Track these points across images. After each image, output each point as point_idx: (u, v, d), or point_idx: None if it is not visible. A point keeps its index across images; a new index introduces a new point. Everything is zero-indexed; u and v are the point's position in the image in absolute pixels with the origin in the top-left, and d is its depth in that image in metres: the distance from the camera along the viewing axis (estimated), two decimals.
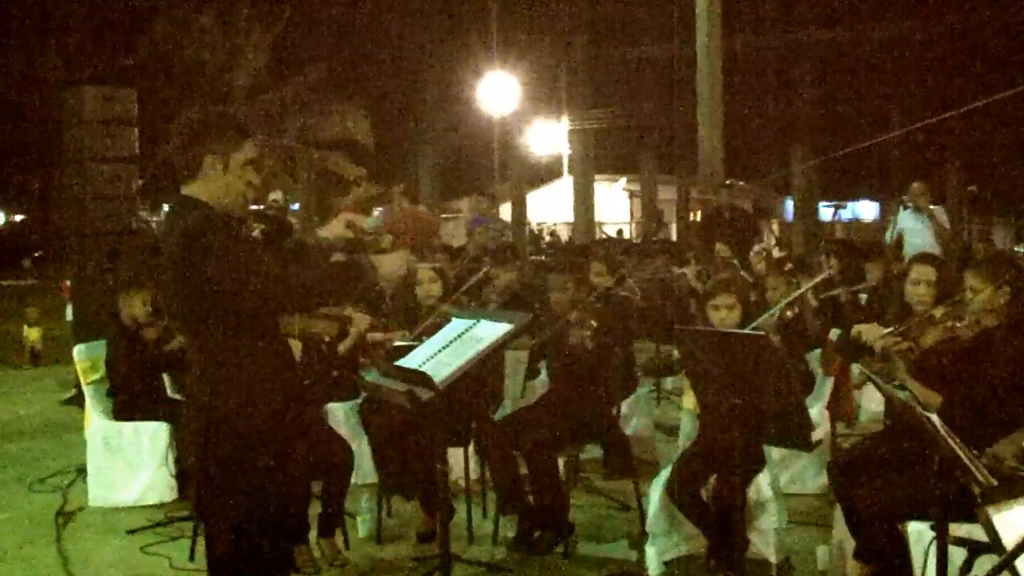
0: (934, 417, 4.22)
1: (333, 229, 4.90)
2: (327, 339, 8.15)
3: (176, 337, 8.76)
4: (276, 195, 13.55)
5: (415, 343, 6.50)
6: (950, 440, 4.16)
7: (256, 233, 6.31)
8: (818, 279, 8.94)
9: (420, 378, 5.28)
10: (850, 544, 6.25)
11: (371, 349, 8.49)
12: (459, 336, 5.52)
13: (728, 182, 18.00)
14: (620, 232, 41.07)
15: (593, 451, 9.04)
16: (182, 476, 8.71)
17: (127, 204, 12.49)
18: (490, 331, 5.44)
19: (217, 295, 4.19)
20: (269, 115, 34.15)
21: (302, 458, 6.44)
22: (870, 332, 6.39)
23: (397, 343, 7.49)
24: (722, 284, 7.27)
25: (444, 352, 5.43)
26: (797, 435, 5.27)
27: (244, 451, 4.25)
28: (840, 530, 6.51)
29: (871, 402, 9.86)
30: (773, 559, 6.61)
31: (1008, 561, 2.88)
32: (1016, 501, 3.09)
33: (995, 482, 4.05)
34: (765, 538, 6.66)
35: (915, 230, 13.68)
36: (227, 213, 4.40)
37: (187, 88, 32.57)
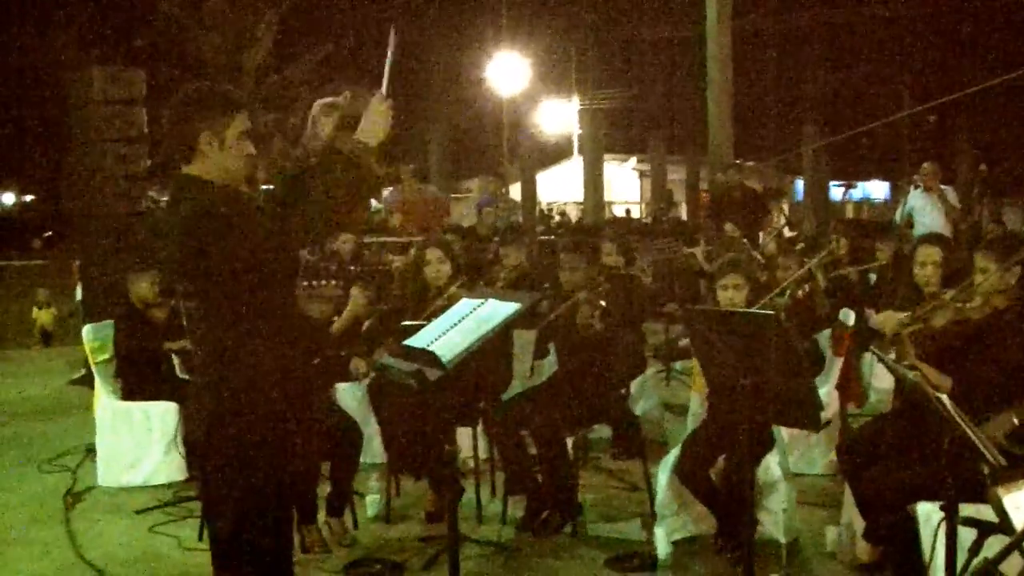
0: (944, 397, 4.20)
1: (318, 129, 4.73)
2: (332, 318, 8.14)
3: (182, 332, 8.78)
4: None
5: (424, 323, 6.49)
6: (960, 421, 4.14)
7: None
8: (822, 255, 8.95)
9: (428, 358, 5.26)
10: (859, 525, 6.24)
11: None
12: (467, 315, 5.50)
13: (738, 162, 17.97)
14: (628, 212, 40.99)
15: (602, 431, 9.03)
16: (191, 456, 8.72)
17: (136, 184, 12.49)
18: (498, 310, 5.42)
19: (225, 275, 4.16)
20: (277, 95, 34.13)
21: (311, 438, 6.44)
22: (887, 321, 6.40)
23: (405, 323, 7.48)
24: (730, 264, 7.27)
25: (452, 331, 5.41)
26: (806, 415, 5.25)
27: (252, 432, 4.23)
28: (849, 511, 6.50)
29: (881, 382, 9.84)
30: (782, 540, 6.60)
31: (1018, 542, 2.87)
32: None
33: (1005, 462, 4.04)
34: (774, 519, 6.66)
35: (925, 210, 13.70)
36: (232, 189, 4.36)
37: (196, 69, 32.56)
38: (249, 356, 4.24)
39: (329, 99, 4.73)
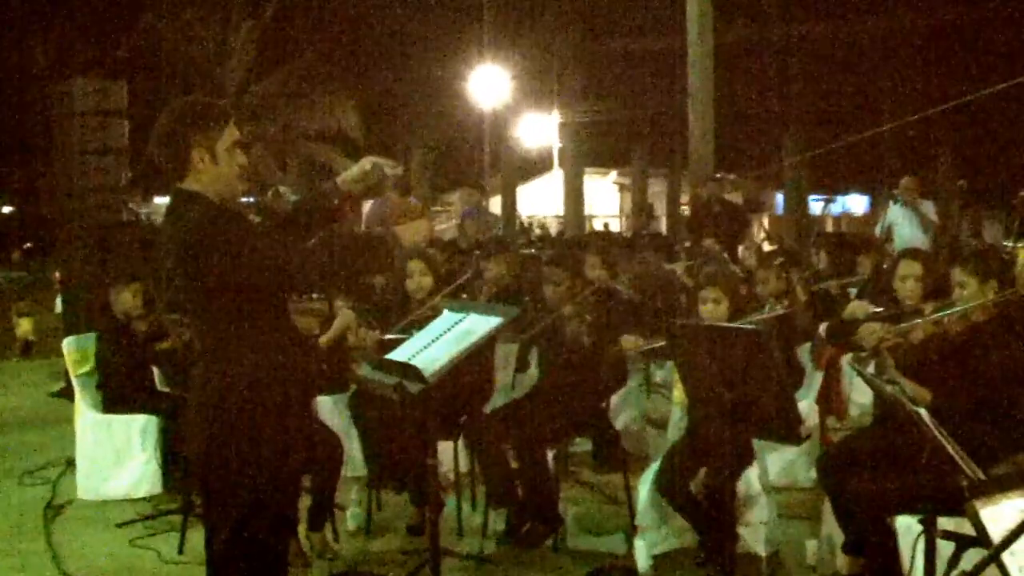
0: (922, 411, 4.23)
1: (354, 171, 4.85)
2: (317, 332, 8.14)
3: (168, 336, 8.78)
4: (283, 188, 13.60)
5: (405, 336, 6.50)
6: (938, 434, 4.18)
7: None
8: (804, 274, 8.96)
9: (410, 371, 5.28)
10: (839, 538, 6.27)
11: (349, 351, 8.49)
12: (449, 329, 5.52)
13: (718, 175, 18.02)
14: (607, 226, 41.03)
15: (583, 444, 9.05)
16: (171, 469, 8.72)
17: (117, 196, 12.48)
18: (480, 324, 5.44)
19: (227, 289, 4.18)
20: (257, 106, 34.16)
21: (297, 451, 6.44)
22: (859, 308, 6.46)
23: (387, 336, 7.49)
24: (709, 278, 7.29)
25: (434, 345, 5.43)
26: (786, 429, 5.27)
27: (252, 444, 4.25)
28: (829, 524, 6.53)
29: (861, 396, 9.87)
30: (763, 553, 6.62)
31: (995, 555, 2.89)
32: (1004, 495, 3.10)
33: (983, 476, 4.07)
34: (755, 532, 6.67)
35: (904, 224, 13.76)
36: (226, 203, 4.37)
37: (178, 81, 32.57)
38: (248, 369, 4.26)
39: (386, 161, 4.84)
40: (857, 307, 6.71)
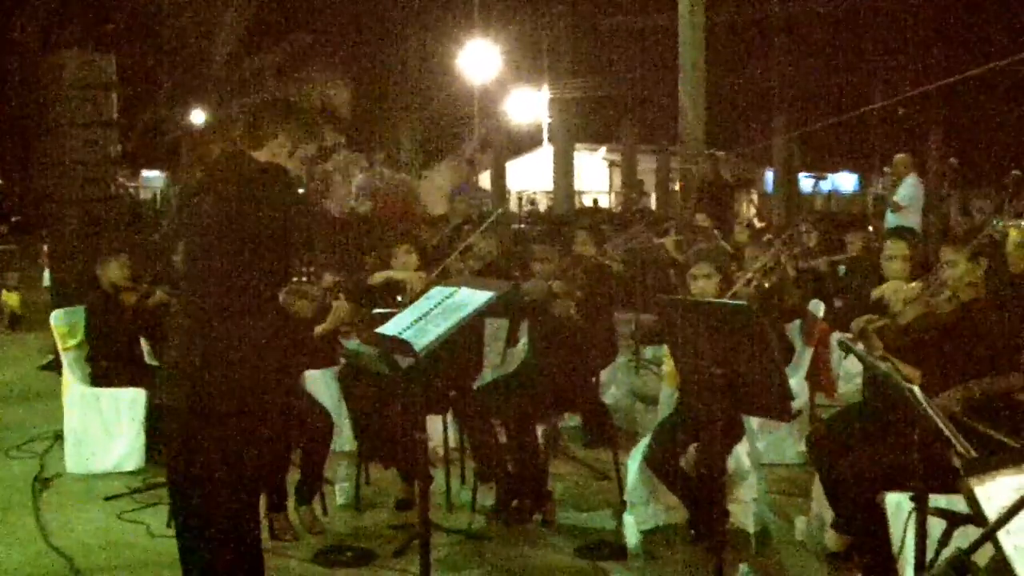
0: (916, 388, 4.22)
1: None
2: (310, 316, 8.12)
3: (156, 293, 8.77)
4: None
5: (395, 310, 6.48)
6: (931, 411, 4.17)
7: None
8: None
9: (400, 345, 5.26)
10: (829, 515, 6.28)
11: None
12: (440, 303, 5.50)
13: (709, 152, 18.04)
14: (596, 202, 41.01)
15: (572, 420, 9.04)
16: (157, 443, 8.69)
17: (106, 169, 12.43)
18: (471, 298, 5.43)
19: (259, 246, 4.33)
20: (246, 81, 34.01)
21: (282, 425, 6.43)
22: (894, 291, 6.41)
23: (376, 310, 7.47)
24: (700, 253, 7.29)
25: (424, 319, 5.42)
26: (776, 405, 5.27)
27: (230, 414, 4.25)
28: (819, 500, 6.54)
29: (850, 374, 9.88)
30: (752, 529, 6.63)
31: (990, 533, 2.88)
32: (998, 473, 3.09)
33: (975, 453, 4.06)
34: (744, 508, 6.68)
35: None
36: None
37: (167, 54, 32.42)
38: (235, 340, 4.27)
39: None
40: (892, 288, 6.57)
